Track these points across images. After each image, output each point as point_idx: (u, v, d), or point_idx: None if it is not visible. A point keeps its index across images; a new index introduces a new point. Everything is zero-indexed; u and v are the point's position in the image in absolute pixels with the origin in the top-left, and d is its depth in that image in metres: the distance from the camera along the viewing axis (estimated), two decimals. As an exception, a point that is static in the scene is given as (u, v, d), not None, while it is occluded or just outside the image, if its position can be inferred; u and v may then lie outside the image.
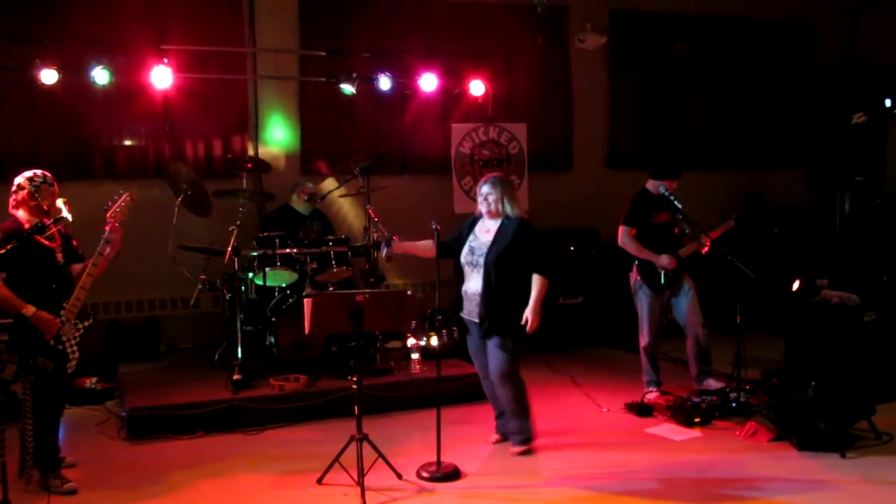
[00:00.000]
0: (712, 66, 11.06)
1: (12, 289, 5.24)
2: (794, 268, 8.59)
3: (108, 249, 5.43)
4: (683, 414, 6.69)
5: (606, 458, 6.03)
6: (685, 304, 7.29)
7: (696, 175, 10.64)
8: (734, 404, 6.80)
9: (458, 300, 6.11)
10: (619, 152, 10.66)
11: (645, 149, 10.68)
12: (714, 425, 6.63)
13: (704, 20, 10.88)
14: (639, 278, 7.26)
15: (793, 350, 7.49)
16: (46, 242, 5.43)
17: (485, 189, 6.02)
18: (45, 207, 5.42)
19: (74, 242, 5.70)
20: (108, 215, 5.49)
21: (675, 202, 7.15)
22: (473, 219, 6.18)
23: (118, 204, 5.54)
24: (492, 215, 6.03)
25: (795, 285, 7.67)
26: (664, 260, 7.12)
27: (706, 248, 7.21)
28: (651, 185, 7.32)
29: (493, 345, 5.92)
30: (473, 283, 5.95)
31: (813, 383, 6.04)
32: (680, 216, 7.24)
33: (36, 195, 5.41)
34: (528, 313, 5.79)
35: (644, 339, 7.32)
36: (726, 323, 7.13)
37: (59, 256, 5.53)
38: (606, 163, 10.64)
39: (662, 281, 7.17)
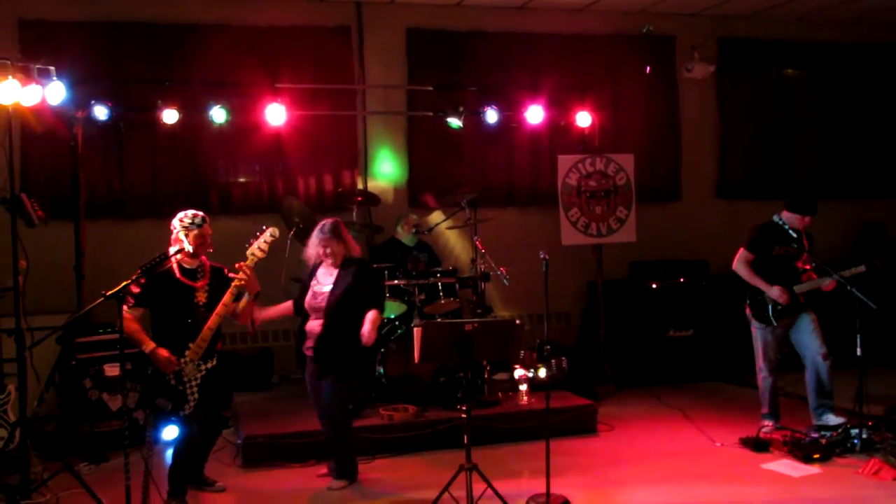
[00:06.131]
0: (825, 93, 10.80)
1: (153, 323, 5.48)
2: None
3: (244, 295, 5.61)
4: (801, 450, 6.47)
5: (721, 494, 5.88)
6: (804, 334, 7.03)
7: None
8: (856, 441, 6.53)
9: (300, 335, 6.15)
10: (730, 182, 10.49)
11: (756, 178, 10.48)
12: (834, 462, 6.38)
13: (815, 46, 10.64)
14: (749, 311, 7.09)
15: (918, 385, 7.19)
16: (187, 281, 5.60)
17: (321, 240, 6.09)
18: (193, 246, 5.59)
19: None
20: (248, 252, 5.67)
21: (804, 238, 6.98)
22: (316, 264, 6.23)
23: (259, 240, 5.73)
24: (330, 264, 6.14)
25: (919, 317, 7.37)
26: (775, 292, 6.92)
27: (831, 287, 6.97)
28: (786, 216, 7.12)
29: (326, 385, 6.00)
30: (315, 325, 6.04)
31: (941, 419, 5.79)
32: (808, 253, 7.03)
33: (186, 235, 5.60)
34: (366, 328, 5.92)
35: (760, 373, 7.13)
36: (847, 356, 6.86)
37: (201, 296, 5.64)
38: (716, 193, 10.48)
39: (770, 313, 6.97)
